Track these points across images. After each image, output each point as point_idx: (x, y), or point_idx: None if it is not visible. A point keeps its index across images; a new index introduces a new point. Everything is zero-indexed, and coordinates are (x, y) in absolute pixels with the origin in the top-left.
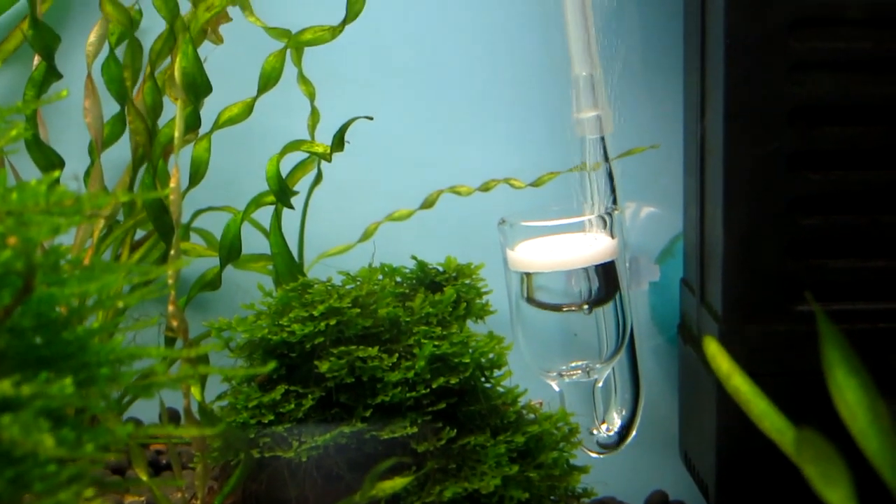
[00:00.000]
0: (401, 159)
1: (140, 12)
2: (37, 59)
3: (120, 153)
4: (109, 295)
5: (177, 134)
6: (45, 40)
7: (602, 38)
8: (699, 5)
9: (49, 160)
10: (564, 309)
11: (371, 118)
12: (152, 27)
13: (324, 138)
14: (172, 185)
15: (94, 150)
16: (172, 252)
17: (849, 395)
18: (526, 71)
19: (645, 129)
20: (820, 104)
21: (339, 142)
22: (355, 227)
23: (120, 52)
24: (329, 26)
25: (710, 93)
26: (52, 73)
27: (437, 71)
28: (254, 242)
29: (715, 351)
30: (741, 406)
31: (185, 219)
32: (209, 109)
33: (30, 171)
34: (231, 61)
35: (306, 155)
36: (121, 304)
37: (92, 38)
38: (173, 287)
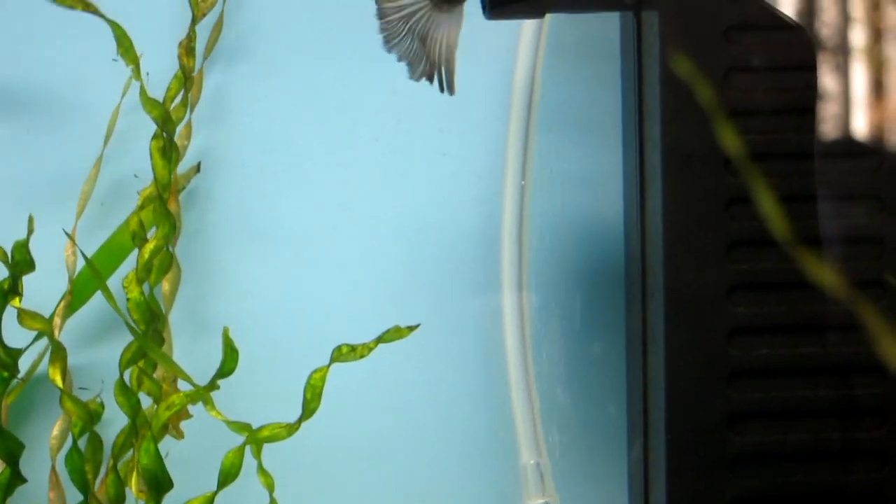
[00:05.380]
0: None
1: (102, 405)
2: (1, 464)
3: None
4: None
5: None
6: (10, 447)
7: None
8: (640, 346)
9: None
10: None
11: None
12: (114, 418)
13: None
14: None
15: None
16: None
17: None
18: (473, 458)
19: None
20: (755, 411)
21: None
22: None
23: (84, 443)
24: (286, 424)
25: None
26: (17, 478)
27: (387, 454)
28: None
29: None
30: None
31: None
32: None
33: None
34: (192, 453)
35: None
36: None
37: (55, 431)
38: None
